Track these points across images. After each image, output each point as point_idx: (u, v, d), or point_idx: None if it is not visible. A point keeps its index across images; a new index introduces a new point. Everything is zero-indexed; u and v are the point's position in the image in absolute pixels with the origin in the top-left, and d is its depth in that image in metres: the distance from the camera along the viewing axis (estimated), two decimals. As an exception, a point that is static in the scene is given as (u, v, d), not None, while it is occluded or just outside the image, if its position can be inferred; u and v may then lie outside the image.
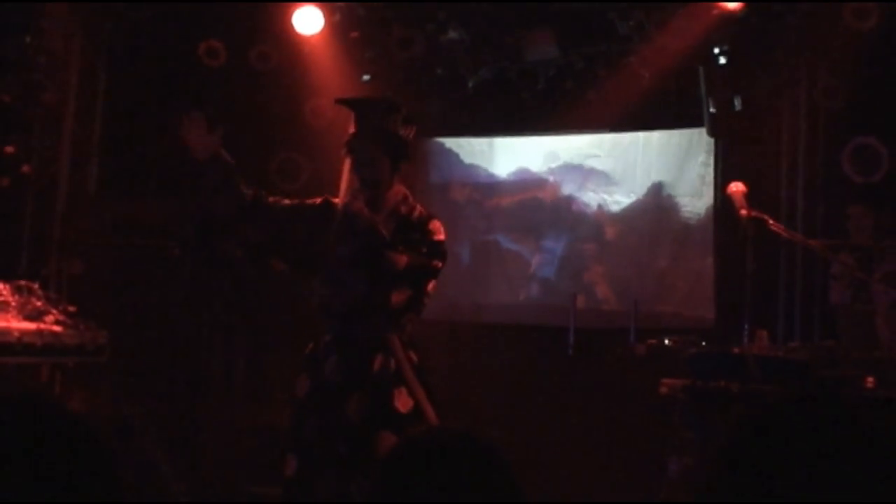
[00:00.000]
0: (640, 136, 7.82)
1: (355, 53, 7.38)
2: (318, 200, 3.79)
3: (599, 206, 7.88)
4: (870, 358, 4.70)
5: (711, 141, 7.36)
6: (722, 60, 6.81)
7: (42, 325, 5.02)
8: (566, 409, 7.01)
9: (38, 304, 5.18)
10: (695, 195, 7.57)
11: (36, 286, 5.31)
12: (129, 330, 6.30)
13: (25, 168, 6.39)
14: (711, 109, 6.85)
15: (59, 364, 5.09)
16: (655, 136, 7.78)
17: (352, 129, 3.69)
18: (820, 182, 6.76)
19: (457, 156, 8.34)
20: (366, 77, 7.51)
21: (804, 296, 6.73)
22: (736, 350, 4.76)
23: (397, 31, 7.20)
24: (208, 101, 7.16)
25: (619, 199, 7.82)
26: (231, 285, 7.26)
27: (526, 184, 8.16)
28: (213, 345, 7.41)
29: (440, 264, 3.67)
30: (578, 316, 7.16)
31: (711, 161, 7.46)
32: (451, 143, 8.33)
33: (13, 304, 5.08)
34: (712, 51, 6.81)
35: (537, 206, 8.10)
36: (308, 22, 7.03)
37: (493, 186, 8.26)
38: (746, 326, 4.76)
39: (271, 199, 3.77)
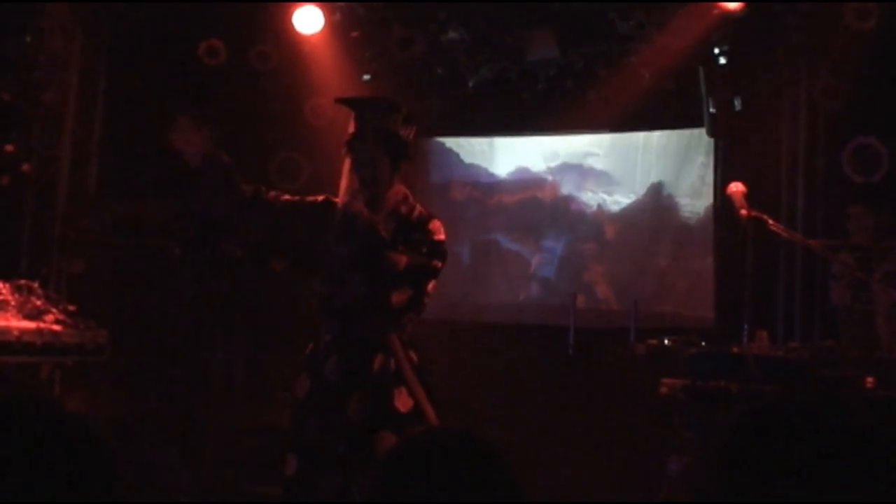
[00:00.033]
0: (640, 136, 7.83)
1: (355, 53, 7.38)
2: (320, 198, 3.78)
3: (599, 206, 7.89)
4: (870, 358, 4.70)
5: (711, 141, 7.36)
6: (722, 60, 6.82)
7: (42, 325, 5.02)
8: (566, 408, 7.02)
9: (38, 303, 5.18)
10: (695, 195, 7.57)
11: (36, 285, 5.31)
12: (129, 329, 6.31)
13: (25, 167, 6.39)
14: (711, 109, 6.85)
15: (59, 363, 5.09)
16: (655, 136, 7.78)
17: (351, 129, 3.69)
18: (820, 182, 6.76)
19: (457, 155, 8.35)
20: (366, 77, 7.51)
21: (804, 296, 6.73)
22: (736, 350, 4.76)
23: (397, 31, 7.20)
24: (206, 99, 7.17)
25: (619, 199, 7.83)
26: (231, 285, 7.26)
27: (526, 183, 8.16)
28: (213, 345, 7.41)
29: (440, 264, 3.67)
30: (578, 316, 7.15)
31: (711, 161, 7.46)
32: (451, 142, 8.34)
33: (13, 303, 5.08)
34: (712, 51, 6.81)
35: (537, 205, 8.10)
36: (308, 21, 7.03)
37: (493, 186, 8.26)
38: (746, 326, 4.76)
39: (272, 194, 3.77)
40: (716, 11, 6.53)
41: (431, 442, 1.53)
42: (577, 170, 7.98)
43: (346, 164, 3.71)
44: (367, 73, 7.50)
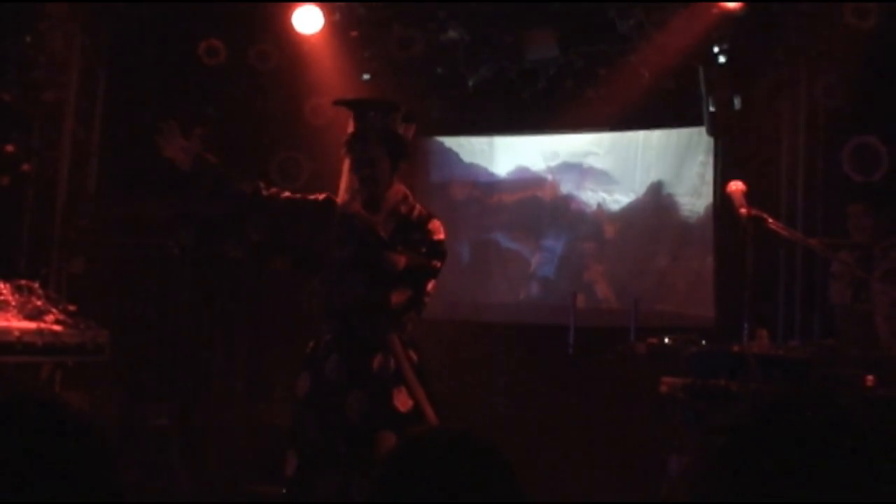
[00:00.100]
0: (640, 135, 7.82)
1: (355, 53, 7.38)
2: (321, 197, 3.79)
3: (599, 205, 7.88)
4: (869, 357, 4.70)
5: (711, 140, 7.36)
6: (722, 59, 6.82)
7: (42, 325, 5.02)
8: (566, 408, 7.01)
9: (39, 303, 5.18)
10: (694, 194, 7.57)
11: (36, 285, 5.31)
12: (130, 329, 6.31)
13: (25, 167, 6.39)
14: (711, 108, 6.85)
15: (60, 363, 5.09)
16: (655, 135, 7.78)
17: (351, 129, 3.70)
18: (820, 181, 6.76)
19: (457, 155, 8.34)
20: (366, 76, 7.51)
21: (804, 295, 6.73)
22: (736, 349, 4.76)
23: (397, 31, 7.20)
24: (206, 99, 7.18)
25: (618, 198, 7.82)
26: (231, 285, 7.26)
27: (526, 183, 8.16)
28: (214, 344, 7.41)
29: (440, 264, 3.67)
30: (578, 315, 7.16)
31: (711, 160, 7.46)
32: (450, 142, 8.34)
33: (13, 303, 5.08)
34: (712, 50, 6.81)
35: (537, 205, 8.10)
36: (308, 21, 7.03)
37: (492, 185, 8.26)
38: (746, 325, 4.75)
39: (272, 190, 3.78)
40: (715, 10, 6.53)
41: (431, 442, 1.53)
42: (576, 169, 7.98)
43: (346, 164, 3.71)
44: (366, 72, 7.50)
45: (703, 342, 5.33)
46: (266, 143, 7.62)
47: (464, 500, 1.43)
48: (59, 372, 5.06)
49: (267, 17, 7.17)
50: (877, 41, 6.27)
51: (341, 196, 3.72)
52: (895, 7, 6.23)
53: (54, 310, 5.19)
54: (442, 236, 3.70)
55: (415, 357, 3.66)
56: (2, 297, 5.04)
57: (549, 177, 8.06)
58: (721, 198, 6.76)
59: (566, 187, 8.00)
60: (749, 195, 4.47)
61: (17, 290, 5.17)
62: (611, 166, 7.87)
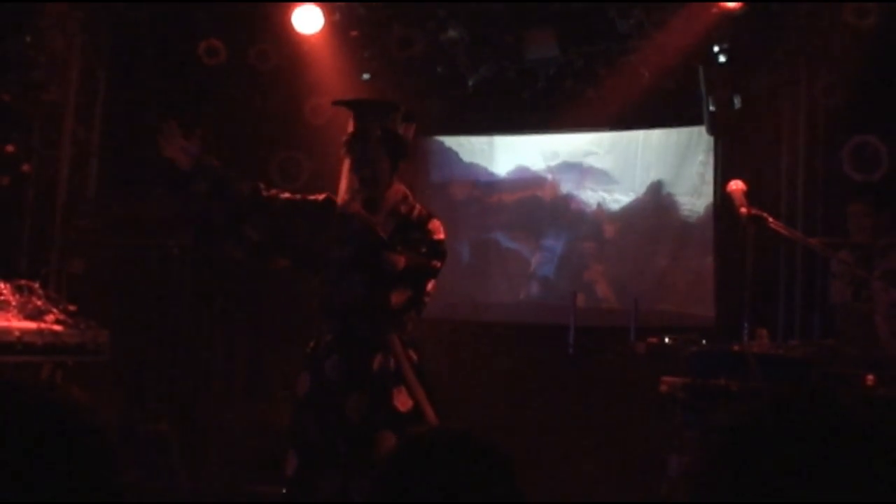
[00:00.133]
0: (640, 135, 7.82)
1: (355, 52, 7.38)
2: (321, 197, 3.79)
3: (599, 205, 7.88)
4: (869, 356, 4.71)
5: (711, 139, 7.36)
6: (722, 59, 6.82)
7: (42, 325, 5.02)
8: (566, 407, 7.01)
9: (39, 303, 5.18)
10: (694, 193, 7.57)
11: (36, 285, 5.30)
12: (130, 329, 6.31)
13: (25, 167, 6.39)
14: (711, 108, 6.84)
15: (60, 363, 5.09)
16: (655, 135, 7.78)
17: (351, 129, 3.70)
18: (820, 180, 6.76)
19: (457, 154, 8.34)
20: (366, 76, 7.52)
21: (804, 294, 6.73)
22: (736, 348, 4.76)
23: (397, 31, 7.20)
24: (206, 99, 7.18)
25: (618, 198, 7.82)
26: (231, 285, 7.26)
27: (526, 182, 8.16)
28: (214, 344, 7.41)
29: (439, 264, 3.67)
30: (578, 314, 7.16)
31: (711, 159, 7.46)
32: (450, 141, 8.34)
33: (13, 303, 5.07)
34: (712, 49, 6.81)
35: (537, 204, 8.10)
36: (308, 21, 7.03)
37: (492, 185, 8.26)
38: (746, 325, 4.76)
39: (272, 191, 3.78)
40: (715, 10, 6.53)
41: (432, 442, 1.53)
42: (576, 168, 7.98)
43: (346, 164, 3.71)
44: (366, 72, 7.51)
45: (703, 342, 5.33)
46: (266, 143, 7.63)
47: (464, 500, 1.43)
48: (59, 372, 5.06)
49: (267, 17, 7.17)
50: (876, 41, 6.27)
51: (341, 196, 3.72)
52: (894, 6, 6.23)
53: (54, 310, 5.19)
54: (442, 236, 3.70)
55: (415, 357, 3.66)
56: (2, 297, 5.04)
57: (549, 176, 8.06)
58: (721, 197, 6.77)
59: (566, 187, 8.00)
60: (749, 194, 4.47)
61: (18, 290, 5.17)
62: (611, 166, 7.87)
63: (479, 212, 8.28)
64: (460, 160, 8.33)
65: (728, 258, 6.82)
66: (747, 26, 6.67)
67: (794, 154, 6.91)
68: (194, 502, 5.98)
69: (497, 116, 8.04)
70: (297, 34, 7.12)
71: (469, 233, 8.20)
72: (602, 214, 7.88)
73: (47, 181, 6.59)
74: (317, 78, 7.30)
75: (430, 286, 3.64)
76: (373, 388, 3.56)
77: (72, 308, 5.30)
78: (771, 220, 4.49)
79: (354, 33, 7.31)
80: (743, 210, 4.41)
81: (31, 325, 4.99)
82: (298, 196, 3.82)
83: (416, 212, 3.73)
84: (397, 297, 3.56)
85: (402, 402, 3.56)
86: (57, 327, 5.09)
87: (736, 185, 4.51)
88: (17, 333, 4.85)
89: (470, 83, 7.58)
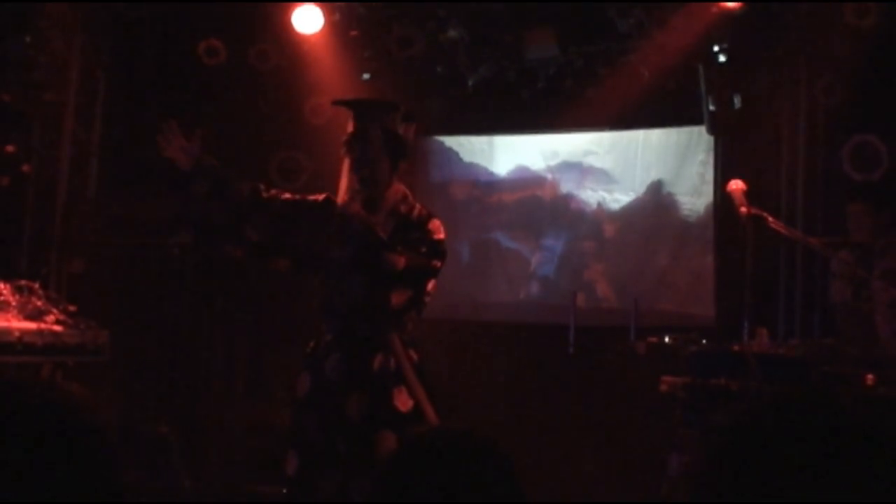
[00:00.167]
0: (640, 134, 7.82)
1: (355, 52, 7.38)
2: (320, 198, 3.79)
3: (599, 205, 7.88)
4: (869, 356, 4.70)
5: (711, 139, 7.36)
6: (721, 58, 6.82)
7: (42, 325, 5.02)
8: (566, 407, 7.02)
9: (39, 303, 5.18)
10: (694, 193, 7.57)
11: (36, 286, 5.30)
12: (130, 329, 6.30)
13: (25, 168, 6.39)
14: (711, 107, 6.85)
15: (60, 364, 5.09)
16: (655, 134, 7.78)
17: (350, 129, 3.69)
18: (820, 180, 6.76)
19: (456, 154, 8.35)
20: (366, 76, 7.52)
21: (804, 293, 6.73)
22: (736, 348, 4.76)
23: (397, 30, 7.20)
24: (205, 99, 7.17)
25: (618, 198, 7.82)
26: (231, 285, 7.26)
27: (526, 182, 8.16)
28: (214, 344, 7.41)
29: (440, 264, 3.67)
30: (578, 314, 7.16)
31: (711, 159, 7.46)
32: (450, 141, 8.34)
33: (13, 303, 5.07)
34: (712, 49, 6.81)
35: (537, 204, 8.10)
36: (308, 21, 7.03)
37: (492, 185, 8.26)
38: (746, 324, 4.75)
39: (272, 192, 3.78)
40: (715, 9, 6.53)
41: (432, 442, 1.53)
42: (576, 168, 7.98)
43: (346, 164, 3.71)
44: (366, 72, 7.51)
45: (704, 341, 5.32)
46: (266, 143, 7.63)
47: (464, 500, 1.43)
48: (59, 372, 5.06)
49: (267, 17, 7.17)
50: (876, 40, 6.27)
51: (341, 196, 3.72)
52: (894, 5, 6.23)
53: (54, 310, 5.18)
54: (442, 236, 3.70)
55: (415, 357, 3.66)
56: (2, 298, 5.04)
57: (549, 176, 8.06)
58: (721, 197, 6.76)
59: (566, 186, 8.00)
60: (749, 194, 4.48)
61: (18, 290, 5.17)
62: (611, 165, 7.87)
63: (479, 211, 8.28)
64: (460, 160, 8.33)
65: (728, 258, 6.82)
66: (747, 26, 6.67)
67: (793, 154, 6.91)
68: (194, 502, 5.98)
69: (497, 116, 8.03)
70: (297, 34, 7.12)
71: (469, 233, 8.20)
72: (602, 214, 7.88)
73: (47, 181, 6.59)
74: (317, 78, 7.30)
75: (430, 286, 3.64)
76: (373, 388, 3.56)
77: (72, 308, 5.30)
78: (771, 219, 4.49)
79: (354, 33, 7.31)
80: (743, 209, 4.41)
81: (31, 325, 4.99)
82: (298, 196, 3.82)
83: (415, 211, 3.73)
84: (397, 298, 3.56)
85: (403, 401, 3.56)
86: (57, 328, 5.09)
87: (736, 185, 4.52)
88: (17, 334, 4.85)
89: (470, 83, 7.58)
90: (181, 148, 3.68)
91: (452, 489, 1.43)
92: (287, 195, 3.80)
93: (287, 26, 7.07)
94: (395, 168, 3.72)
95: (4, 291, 5.08)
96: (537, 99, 7.68)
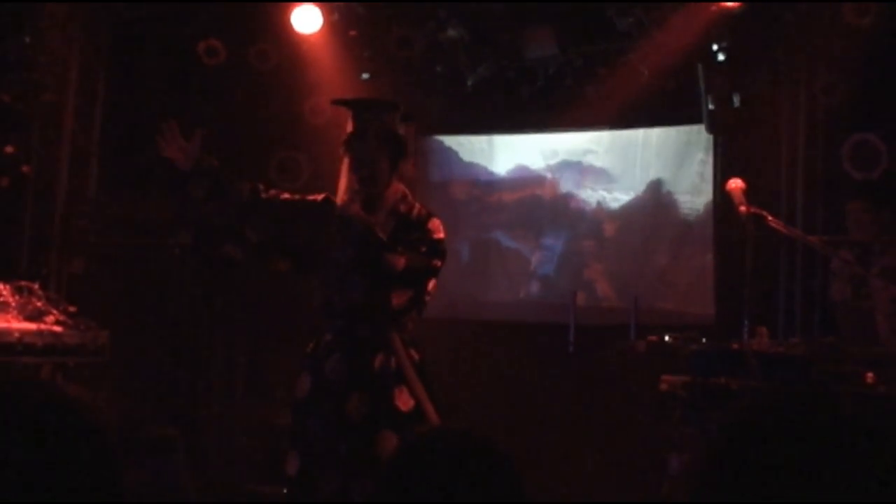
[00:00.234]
0: (640, 134, 7.82)
1: (354, 52, 7.38)
2: (320, 197, 3.79)
3: (599, 204, 7.88)
4: (870, 354, 4.70)
5: (710, 138, 7.35)
6: (721, 57, 6.82)
7: (42, 326, 5.02)
8: (566, 406, 7.02)
9: (39, 304, 5.18)
10: (694, 192, 7.57)
11: (36, 286, 5.30)
12: (130, 330, 6.30)
13: (25, 168, 6.39)
14: (710, 106, 6.85)
15: (60, 364, 5.09)
16: (654, 133, 7.78)
17: (350, 129, 3.70)
18: (819, 178, 6.76)
19: (456, 154, 8.34)
20: (365, 75, 7.51)
21: (804, 292, 6.73)
22: (736, 346, 4.76)
23: (396, 30, 7.20)
24: (205, 99, 7.17)
25: (618, 197, 7.82)
26: (231, 285, 7.26)
27: (525, 181, 8.16)
28: (214, 344, 7.41)
29: (440, 263, 3.67)
30: (578, 313, 7.16)
31: (710, 158, 7.46)
32: (450, 141, 8.33)
33: (13, 304, 5.07)
34: (711, 48, 6.82)
35: (537, 203, 8.10)
36: (307, 20, 7.03)
37: (492, 184, 8.26)
38: (746, 323, 4.75)
39: (271, 192, 3.78)
40: (714, 8, 6.53)
41: (433, 442, 1.53)
42: (576, 167, 7.98)
43: (345, 164, 3.71)
44: (365, 71, 7.51)
45: (704, 340, 5.32)
46: (266, 142, 7.62)
47: (465, 500, 1.43)
48: (59, 373, 5.06)
49: (266, 17, 7.17)
50: (876, 39, 6.27)
51: (340, 196, 3.72)
52: (895, 6, 6.23)
53: (54, 310, 5.19)
54: (442, 235, 3.70)
55: (416, 356, 3.67)
56: (2, 298, 5.04)
57: (549, 175, 8.06)
58: (721, 195, 6.75)
59: (566, 186, 8.00)
60: (749, 193, 4.48)
61: (18, 290, 5.17)
62: (610, 164, 7.87)
63: (478, 211, 8.28)
64: (460, 159, 8.32)
65: (728, 256, 6.82)
66: (746, 25, 6.67)
67: (793, 152, 6.91)
68: (194, 502, 5.98)
69: (496, 116, 8.03)
70: (297, 34, 7.12)
71: (469, 232, 8.20)
72: (602, 213, 7.88)
73: (47, 181, 6.59)
74: (316, 78, 7.30)
75: (430, 285, 3.64)
76: (374, 388, 3.56)
77: (72, 309, 5.30)
78: (770, 218, 4.49)
79: (353, 33, 7.31)
80: (742, 208, 4.41)
81: (31, 326, 4.99)
82: (298, 196, 3.82)
83: (415, 211, 3.73)
84: (398, 298, 3.56)
85: (404, 401, 3.56)
86: (57, 328, 5.09)
87: (735, 184, 4.52)
88: (17, 334, 4.85)
89: (469, 82, 7.58)
90: (181, 148, 3.67)
91: (453, 489, 1.43)
92: (287, 195, 3.80)
93: (287, 26, 7.07)
94: (395, 168, 3.72)
95: (4, 292, 5.08)
96: (537, 98, 7.68)
